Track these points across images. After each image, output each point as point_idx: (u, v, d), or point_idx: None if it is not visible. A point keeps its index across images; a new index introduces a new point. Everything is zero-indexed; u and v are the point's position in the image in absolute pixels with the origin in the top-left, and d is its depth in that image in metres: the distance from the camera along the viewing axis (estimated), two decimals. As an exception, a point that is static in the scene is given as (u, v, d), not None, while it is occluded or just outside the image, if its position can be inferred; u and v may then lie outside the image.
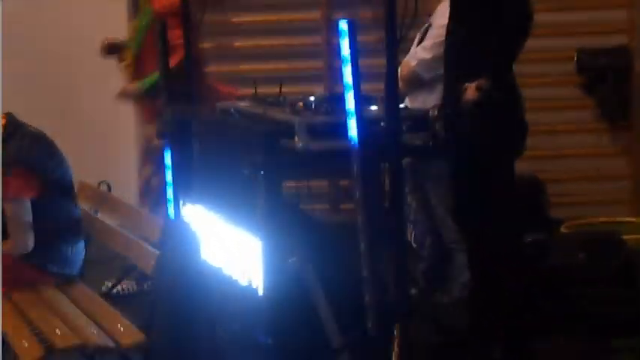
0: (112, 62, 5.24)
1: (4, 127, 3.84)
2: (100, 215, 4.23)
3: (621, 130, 5.48)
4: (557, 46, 5.46)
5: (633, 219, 5.16)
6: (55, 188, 3.90)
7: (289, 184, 3.04)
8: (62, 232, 3.91)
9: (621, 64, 5.38)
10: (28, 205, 3.81)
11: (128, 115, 5.84)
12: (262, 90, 3.53)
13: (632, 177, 5.50)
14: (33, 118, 4.05)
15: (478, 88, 3.48)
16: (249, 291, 2.79)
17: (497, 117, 3.57)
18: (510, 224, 3.67)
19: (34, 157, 3.86)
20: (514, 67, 3.60)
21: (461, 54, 3.65)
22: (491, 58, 3.50)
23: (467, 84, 3.52)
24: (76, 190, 4.07)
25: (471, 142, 3.45)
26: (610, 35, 5.44)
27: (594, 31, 5.46)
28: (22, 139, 3.86)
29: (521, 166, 5.27)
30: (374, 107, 2.93)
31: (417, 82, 4.12)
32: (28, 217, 3.80)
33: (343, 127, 2.60)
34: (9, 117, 3.90)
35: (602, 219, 5.10)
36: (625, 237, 4.50)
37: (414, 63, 4.17)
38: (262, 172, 2.69)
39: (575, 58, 5.38)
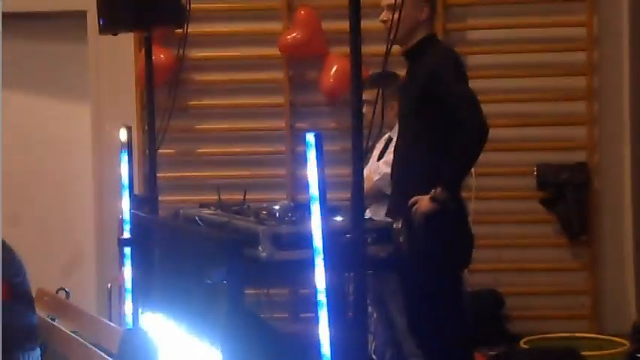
0: (70, 168, 5.27)
1: None
2: (57, 322, 4.17)
3: (581, 245, 5.56)
4: (518, 160, 5.59)
5: (593, 335, 5.18)
6: (15, 294, 3.84)
7: (249, 291, 3.03)
8: (19, 339, 3.81)
9: (581, 180, 5.49)
10: None
11: (87, 222, 5.84)
12: (226, 196, 3.56)
13: (591, 292, 5.55)
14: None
15: (433, 199, 3.54)
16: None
17: (449, 229, 3.62)
18: (463, 336, 3.68)
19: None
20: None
21: (413, 164, 3.72)
22: (447, 170, 3.58)
23: (419, 196, 3.58)
24: (34, 296, 4.01)
25: (423, 255, 3.46)
26: (570, 151, 5.58)
27: (555, 147, 5.59)
28: None
29: (481, 280, 5.37)
30: (338, 217, 2.97)
31: (380, 196, 4.18)
32: None
33: (307, 238, 2.61)
34: None
35: (561, 334, 5.12)
36: (584, 353, 4.52)
37: (376, 177, 4.24)
38: (225, 282, 2.68)
39: (535, 173, 5.50)
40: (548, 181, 5.49)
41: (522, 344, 4.93)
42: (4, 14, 5.56)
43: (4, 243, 3.93)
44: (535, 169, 5.51)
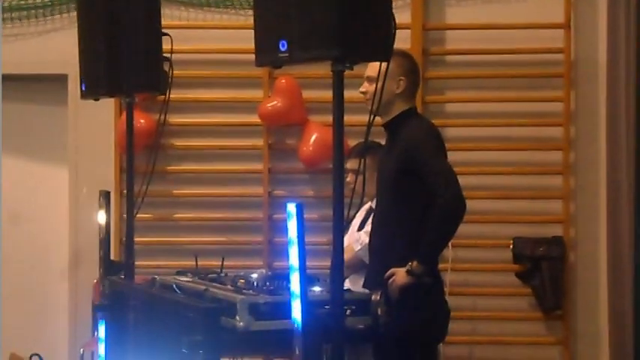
0: (46, 231, 5.22)
1: None
2: None
3: (556, 319, 5.56)
4: (495, 233, 5.62)
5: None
6: None
7: None
8: None
9: (556, 254, 5.52)
10: None
11: (60, 287, 5.79)
12: (203, 262, 3.57)
13: (566, 367, 5.55)
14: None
15: (409, 272, 3.55)
16: None
17: (425, 303, 3.63)
18: None
19: None
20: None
21: (390, 236, 3.74)
22: (424, 243, 3.59)
23: (395, 268, 3.59)
24: None
25: (399, 328, 3.46)
26: (546, 225, 5.62)
27: (531, 221, 5.64)
28: None
29: (457, 352, 5.35)
30: (316, 288, 2.98)
31: (359, 266, 4.19)
32: None
33: (285, 308, 2.62)
34: None
35: None
36: None
37: (357, 247, 4.26)
38: (201, 351, 2.67)
39: (512, 247, 5.53)
40: (524, 255, 5.52)
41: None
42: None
43: None
44: (511, 242, 5.54)
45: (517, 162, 5.66)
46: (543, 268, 5.49)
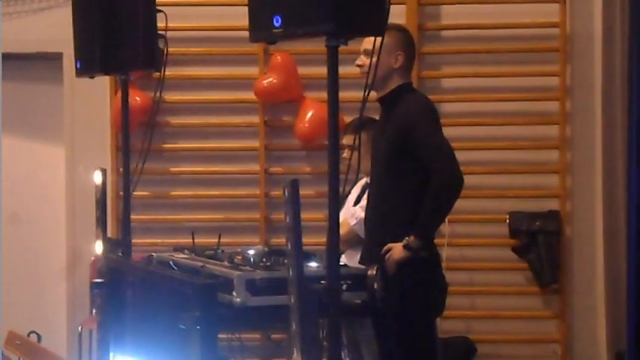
0: (43, 210, 5.21)
1: None
2: None
3: (552, 293, 5.60)
4: (491, 208, 5.64)
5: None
6: None
7: (221, 336, 3.04)
8: None
9: (552, 228, 5.54)
10: None
11: (59, 267, 5.81)
12: (200, 239, 3.58)
13: (563, 341, 5.58)
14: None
15: (406, 247, 3.57)
16: None
17: (422, 277, 3.66)
18: None
19: None
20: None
21: (386, 212, 3.76)
22: (421, 218, 3.61)
23: (392, 243, 3.61)
24: (5, 339, 3.99)
25: (396, 302, 3.49)
26: (543, 200, 5.64)
27: (528, 195, 5.66)
28: None
29: (454, 326, 5.38)
30: (313, 264, 2.99)
31: (355, 241, 4.21)
32: None
33: (282, 283, 2.64)
34: None
35: None
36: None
37: (353, 222, 4.27)
38: (198, 327, 2.69)
39: (508, 221, 5.54)
40: (520, 229, 5.53)
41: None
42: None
43: None
44: (508, 216, 5.55)
45: (513, 137, 5.67)
46: (540, 242, 5.51)
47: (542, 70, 5.67)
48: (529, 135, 5.67)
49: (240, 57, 5.73)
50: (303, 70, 5.60)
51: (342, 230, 4.21)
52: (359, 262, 3.79)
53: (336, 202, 2.56)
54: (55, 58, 5.78)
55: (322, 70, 2.59)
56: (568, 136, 5.60)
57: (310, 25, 2.52)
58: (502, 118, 5.67)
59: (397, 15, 3.41)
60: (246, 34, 2.81)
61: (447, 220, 4.21)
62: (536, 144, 5.68)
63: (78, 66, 4.04)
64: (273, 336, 5.29)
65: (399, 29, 3.87)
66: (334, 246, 2.56)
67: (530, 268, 5.55)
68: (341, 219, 4.30)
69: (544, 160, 5.69)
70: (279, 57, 5.57)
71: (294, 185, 2.48)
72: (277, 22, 2.57)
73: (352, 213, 4.31)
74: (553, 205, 5.62)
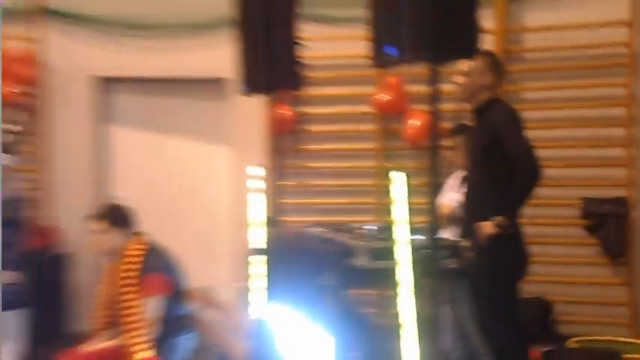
0: (215, 197, 5.33)
1: (146, 244, 3.98)
2: (204, 313, 4.31)
3: (620, 265, 5.48)
4: (566, 195, 5.56)
5: (635, 340, 5.07)
6: (176, 290, 4.00)
7: (351, 292, 3.14)
8: (177, 325, 3.96)
9: (620, 212, 5.42)
10: (163, 302, 3.86)
11: (228, 236, 5.99)
12: (332, 217, 3.64)
13: (630, 304, 5.46)
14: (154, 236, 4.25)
15: (497, 225, 3.63)
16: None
17: (508, 248, 3.69)
18: (520, 334, 3.71)
19: (167, 264, 3.98)
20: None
21: (479, 198, 3.80)
22: (507, 202, 3.65)
23: (483, 221, 3.66)
24: (187, 292, 4.13)
25: (487, 269, 3.55)
26: (611, 188, 5.53)
27: (598, 184, 5.56)
28: (157, 252, 3.99)
29: (533, 289, 5.34)
30: (419, 236, 3.09)
31: (456, 219, 4.27)
32: (161, 312, 3.84)
33: (393, 251, 2.73)
34: (148, 239, 4.06)
35: (606, 337, 4.97)
36: (626, 356, 4.42)
37: (454, 205, 4.33)
38: (333, 285, 2.80)
39: (581, 206, 5.47)
40: (592, 211, 5.43)
41: (570, 344, 4.86)
42: (172, 79, 5.87)
43: (167, 250, 4.14)
44: (581, 201, 5.47)
45: (586, 137, 5.57)
46: (609, 222, 5.40)
47: (611, 81, 5.54)
48: (599, 135, 5.56)
49: (360, 79, 5.81)
50: (409, 87, 5.66)
51: (446, 211, 4.30)
52: (460, 237, 3.86)
53: (435, 190, 2.63)
54: (220, 81, 5.89)
55: (424, 88, 2.68)
56: (633, 136, 5.48)
57: (417, 54, 2.55)
58: (576, 122, 5.57)
59: (486, 41, 3.46)
60: (364, 61, 2.89)
61: (528, 204, 4.21)
62: (605, 142, 5.56)
63: (242, 88, 4.21)
64: (387, 292, 5.39)
65: (488, 54, 3.89)
66: (434, 223, 2.63)
67: (600, 243, 5.45)
68: (445, 203, 4.39)
69: (613, 157, 5.57)
70: (390, 78, 5.66)
71: (402, 177, 2.59)
72: (391, 52, 2.62)
73: (454, 198, 4.36)
74: (621, 193, 5.50)
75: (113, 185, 6.04)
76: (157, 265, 3.89)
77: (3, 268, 3.33)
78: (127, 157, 6.03)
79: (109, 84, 5.90)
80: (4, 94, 5.26)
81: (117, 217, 3.92)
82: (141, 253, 3.86)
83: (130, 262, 3.80)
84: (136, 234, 3.96)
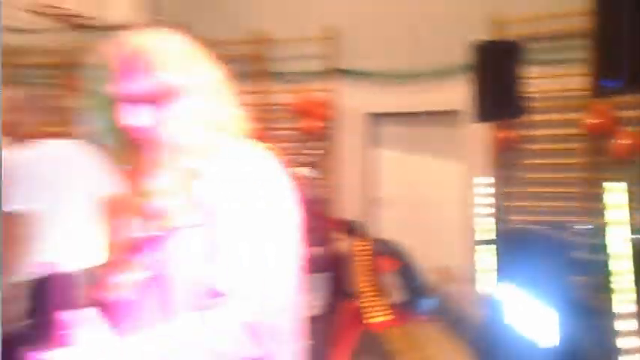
0: (449, 202, 5.18)
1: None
2: (443, 288, 4.22)
3: None
4: None
5: None
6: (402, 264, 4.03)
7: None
8: (419, 292, 3.97)
9: None
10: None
11: (458, 233, 5.75)
12: (547, 217, 3.37)
13: None
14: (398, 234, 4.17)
15: None
16: (548, 351, 2.66)
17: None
18: None
19: (395, 248, 4.06)
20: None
21: None
22: None
23: None
24: (427, 270, 4.12)
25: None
26: None
27: None
28: (384, 241, 4.08)
29: None
30: (633, 236, 2.72)
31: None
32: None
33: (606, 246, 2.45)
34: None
35: None
36: None
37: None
38: (558, 271, 2.60)
39: None
40: None
41: None
42: (421, 113, 5.88)
43: (393, 242, 4.13)
44: None
45: None
46: None
47: None
48: None
49: (572, 107, 5.35)
50: (615, 113, 5.10)
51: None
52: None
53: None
54: (455, 113, 5.68)
55: (628, 113, 2.37)
56: None
57: (629, 86, 2.34)
58: None
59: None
60: (576, 92, 2.67)
61: None
62: None
63: (475, 118, 4.11)
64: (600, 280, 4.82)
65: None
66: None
67: None
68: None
69: None
70: (599, 105, 5.13)
71: (621, 186, 2.32)
72: (609, 85, 2.45)
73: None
74: None
75: (379, 190, 6.26)
76: (389, 249, 3.96)
77: (311, 246, 3.56)
78: (389, 171, 6.25)
79: (377, 118, 6.23)
80: (313, 129, 5.80)
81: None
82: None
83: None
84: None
